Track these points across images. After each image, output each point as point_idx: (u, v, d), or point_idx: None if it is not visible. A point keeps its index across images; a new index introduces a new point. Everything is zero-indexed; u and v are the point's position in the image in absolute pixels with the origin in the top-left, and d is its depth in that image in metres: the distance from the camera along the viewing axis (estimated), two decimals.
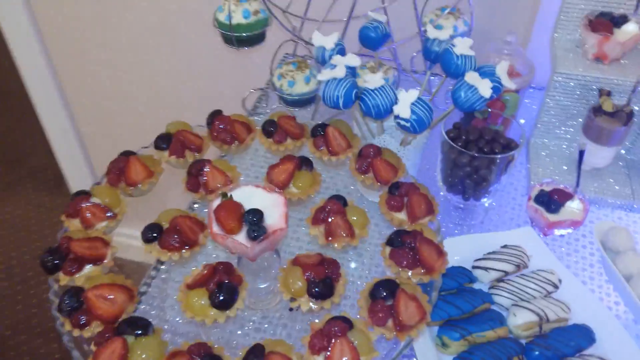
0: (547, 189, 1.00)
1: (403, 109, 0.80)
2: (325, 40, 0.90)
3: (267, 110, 1.20)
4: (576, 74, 1.03)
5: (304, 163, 0.85)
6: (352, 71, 0.87)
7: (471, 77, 0.82)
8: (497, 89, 0.86)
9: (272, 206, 0.70)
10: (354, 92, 0.82)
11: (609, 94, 1.01)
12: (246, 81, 1.38)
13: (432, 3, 1.22)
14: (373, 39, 0.97)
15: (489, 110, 1.01)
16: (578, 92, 1.05)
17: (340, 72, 0.81)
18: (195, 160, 0.85)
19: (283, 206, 0.71)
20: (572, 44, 1.10)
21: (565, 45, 1.09)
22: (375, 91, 0.81)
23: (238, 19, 0.97)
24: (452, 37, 1.12)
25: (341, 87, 0.81)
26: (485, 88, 0.82)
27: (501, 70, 0.86)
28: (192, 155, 0.88)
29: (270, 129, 0.91)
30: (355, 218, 0.77)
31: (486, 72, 0.86)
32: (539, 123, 1.12)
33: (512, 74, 1.04)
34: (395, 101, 0.82)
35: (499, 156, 0.89)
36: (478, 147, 0.91)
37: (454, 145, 0.89)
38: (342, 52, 0.91)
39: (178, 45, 1.67)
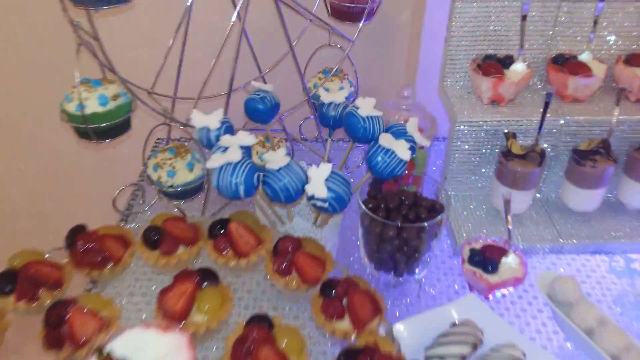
0: (478, 246, 0.91)
1: (318, 188, 0.67)
2: (208, 119, 0.74)
3: (146, 208, 1.00)
4: (477, 120, 0.97)
5: (206, 277, 0.66)
6: (247, 151, 0.73)
7: (386, 140, 0.71)
8: (413, 148, 0.76)
9: (172, 352, 0.51)
10: (255, 175, 0.67)
11: (514, 135, 0.97)
12: (114, 178, 1.17)
13: (310, 69, 1.13)
14: (262, 112, 0.84)
15: None
16: (482, 137, 1.00)
17: (234, 155, 0.66)
18: (52, 303, 0.62)
19: (187, 349, 0.51)
20: (463, 90, 1.06)
21: (458, 92, 1.05)
22: (281, 171, 0.67)
23: (93, 107, 0.78)
24: (346, 98, 1.04)
25: (239, 173, 0.66)
26: (403, 150, 0.71)
27: (412, 127, 0.77)
28: (48, 295, 0.65)
29: (154, 238, 0.72)
30: (286, 342, 0.59)
31: (399, 132, 0.76)
32: (447, 175, 1.04)
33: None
34: (306, 180, 0.68)
35: (426, 223, 0.78)
36: (403, 216, 0.80)
37: (377, 217, 0.77)
38: (229, 130, 0.77)
39: (27, 144, 1.41)
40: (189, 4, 0.86)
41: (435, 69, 1.16)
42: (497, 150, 1.00)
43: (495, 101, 1.00)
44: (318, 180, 0.66)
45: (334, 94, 0.85)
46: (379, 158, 0.71)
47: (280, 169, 0.67)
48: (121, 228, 0.77)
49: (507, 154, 0.96)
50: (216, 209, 0.97)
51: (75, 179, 1.48)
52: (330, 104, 0.85)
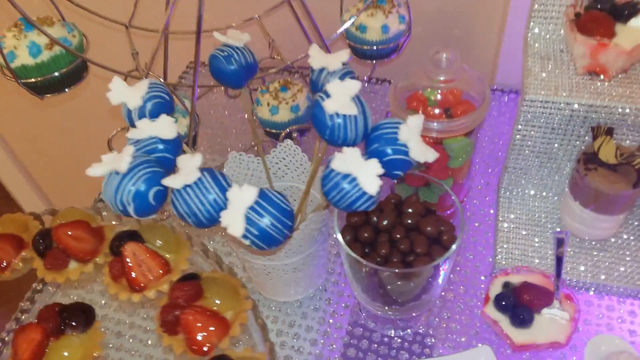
0: (515, 281, 0.66)
1: (233, 220, 0.47)
2: (128, 92, 0.55)
3: None
4: (554, 101, 0.66)
5: (73, 317, 0.52)
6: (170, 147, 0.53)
7: (343, 162, 0.47)
8: (404, 163, 0.51)
9: None
10: (154, 190, 0.49)
11: (609, 132, 0.64)
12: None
13: None
14: (230, 74, 0.62)
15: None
16: (561, 127, 0.68)
17: (121, 162, 0.47)
18: None
19: None
20: (555, 45, 0.72)
21: (545, 49, 0.72)
22: (190, 189, 0.48)
23: (24, 58, 0.64)
24: (381, 42, 0.78)
25: (127, 186, 0.48)
26: (369, 178, 0.47)
27: (411, 130, 0.51)
28: None
29: (40, 247, 0.58)
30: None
31: (383, 138, 0.51)
32: (508, 170, 0.76)
33: (457, 106, 0.68)
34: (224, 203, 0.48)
35: (435, 263, 0.55)
36: (403, 255, 0.57)
37: (355, 256, 0.56)
38: (162, 109, 0.57)
39: None
40: None
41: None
42: (582, 147, 0.69)
43: (594, 72, 0.66)
44: (235, 209, 0.47)
45: (328, 58, 0.60)
46: (331, 185, 0.48)
47: (188, 186, 0.48)
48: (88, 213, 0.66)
49: (590, 158, 0.65)
50: None
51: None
52: (323, 70, 0.60)
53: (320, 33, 0.76)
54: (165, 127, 0.53)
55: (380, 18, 0.81)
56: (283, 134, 0.81)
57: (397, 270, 0.55)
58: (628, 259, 0.69)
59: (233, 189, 0.48)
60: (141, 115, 0.56)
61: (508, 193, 0.78)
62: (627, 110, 0.64)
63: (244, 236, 0.48)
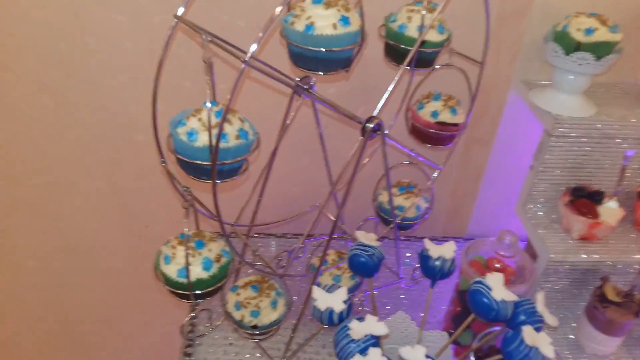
0: None
1: None
2: (330, 298, 0.68)
3: (211, 329, 0.92)
4: (570, 260, 0.94)
5: None
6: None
7: (530, 335, 0.66)
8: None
9: None
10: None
11: (608, 279, 0.94)
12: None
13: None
14: (369, 267, 0.78)
15: None
16: (569, 275, 0.97)
17: None
18: None
19: None
20: (546, 218, 1.02)
21: (541, 221, 1.01)
22: None
23: (197, 273, 0.71)
24: (415, 218, 0.98)
25: None
26: (546, 345, 0.66)
27: (541, 303, 0.72)
28: None
29: None
30: None
31: (528, 312, 0.71)
32: None
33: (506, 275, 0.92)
34: None
35: None
36: None
37: None
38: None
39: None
40: None
41: (506, 181, 1.14)
42: (587, 289, 0.98)
43: (586, 239, 0.97)
44: None
45: (441, 247, 0.80)
46: (519, 353, 0.66)
47: None
48: None
49: (602, 298, 0.93)
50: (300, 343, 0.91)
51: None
52: (439, 257, 0.80)
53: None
54: (378, 326, 0.66)
55: (414, 201, 1.04)
56: None
57: None
58: None
59: None
60: (340, 317, 0.68)
61: None
62: (616, 262, 0.94)
63: None
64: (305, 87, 0.77)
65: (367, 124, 0.74)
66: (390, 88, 0.73)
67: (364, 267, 0.78)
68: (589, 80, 0.94)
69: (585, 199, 0.96)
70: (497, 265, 0.92)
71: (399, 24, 0.81)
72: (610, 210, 0.95)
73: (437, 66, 0.92)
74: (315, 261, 1.03)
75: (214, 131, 0.60)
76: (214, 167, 0.59)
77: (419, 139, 1.00)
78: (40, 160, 1.26)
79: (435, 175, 1.03)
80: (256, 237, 1.19)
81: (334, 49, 0.66)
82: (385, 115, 1.08)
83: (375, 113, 0.74)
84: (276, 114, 0.94)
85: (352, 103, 1.14)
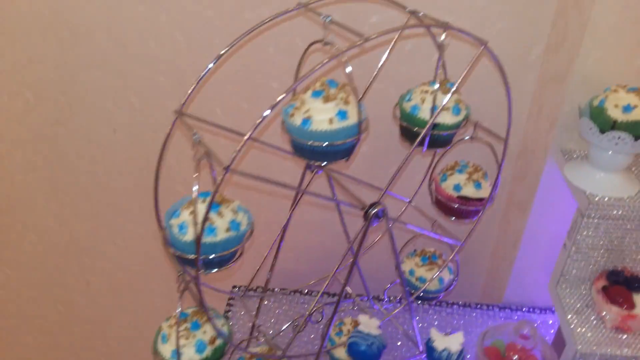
0: None
1: None
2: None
3: None
4: (595, 352, 0.86)
5: None
6: None
7: None
8: None
9: None
10: None
11: None
12: None
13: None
14: (368, 356, 0.76)
15: None
16: None
17: None
18: None
19: None
20: (580, 301, 0.95)
21: (573, 305, 0.94)
22: None
23: (189, 355, 0.72)
24: (438, 291, 0.94)
25: None
26: None
27: None
28: None
29: None
30: None
31: None
32: None
33: None
34: None
35: None
36: None
37: None
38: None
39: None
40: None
41: (545, 250, 1.07)
42: None
43: (621, 329, 0.89)
44: None
45: (447, 338, 0.77)
46: None
47: None
48: None
49: None
50: None
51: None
52: (444, 351, 0.76)
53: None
54: None
55: (436, 272, 1.00)
56: None
57: None
58: None
59: None
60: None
61: None
62: None
63: None
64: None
65: (370, 210, 0.72)
66: (397, 172, 0.71)
67: (363, 356, 0.76)
68: (630, 158, 0.87)
69: (620, 286, 0.88)
70: (515, 357, 0.86)
71: (412, 105, 0.79)
72: None
73: (460, 138, 0.89)
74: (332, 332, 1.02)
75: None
76: (197, 262, 0.60)
77: (442, 211, 0.96)
78: (89, 206, 1.35)
79: (456, 250, 0.98)
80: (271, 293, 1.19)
81: (330, 143, 0.66)
82: (410, 184, 1.06)
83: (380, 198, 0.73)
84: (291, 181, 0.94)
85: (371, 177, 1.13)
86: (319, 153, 0.67)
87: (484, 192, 0.92)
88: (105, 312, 1.57)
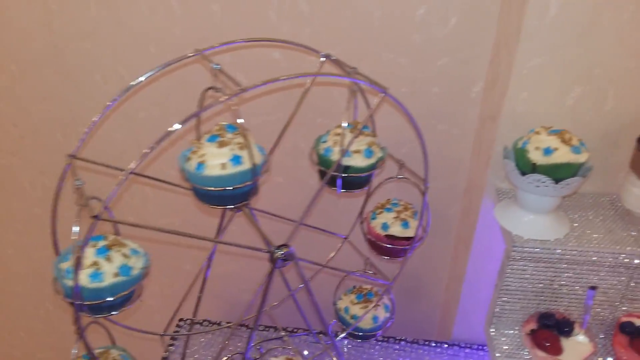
0: None
1: None
2: None
3: None
4: None
5: None
6: None
7: None
8: None
9: None
10: None
11: None
12: None
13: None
14: None
15: None
16: None
17: None
18: None
19: None
20: (512, 343, 0.93)
21: (505, 347, 0.92)
22: None
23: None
24: (373, 329, 0.93)
25: None
26: None
27: None
28: None
29: None
30: None
31: None
32: None
33: None
34: None
35: None
36: None
37: None
38: None
39: None
40: None
41: (481, 301, 1.06)
42: None
43: None
44: None
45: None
46: None
47: None
48: None
49: None
50: None
51: None
52: None
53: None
54: None
55: (372, 311, 0.99)
56: None
57: None
58: None
59: None
60: None
61: None
62: None
63: None
64: None
65: (275, 252, 0.72)
66: (307, 209, 0.71)
67: None
68: (555, 200, 0.86)
69: (548, 331, 0.86)
70: None
71: (326, 147, 0.79)
72: (578, 345, 0.85)
73: (389, 178, 0.88)
74: None
75: (87, 271, 0.62)
76: (74, 307, 0.60)
77: (373, 249, 0.96)
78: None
79: (384, 290, 0.97)
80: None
81: (223, 188, 0.66)
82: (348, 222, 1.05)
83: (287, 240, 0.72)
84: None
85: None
86: (215, 197, 0.67)
87: (412, 232, 0.91)
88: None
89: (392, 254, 0.93)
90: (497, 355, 0.90)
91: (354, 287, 1.05)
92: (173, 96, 1.08)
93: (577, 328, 0.87)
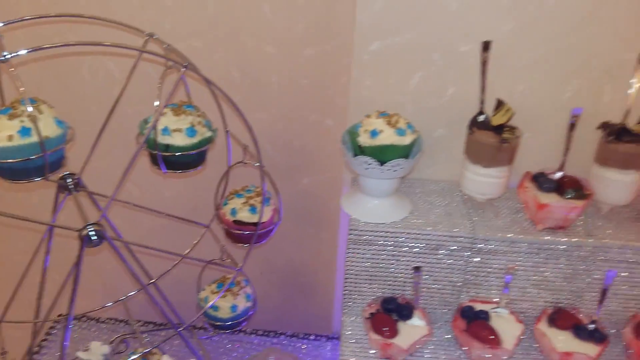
0: None
1: None
2: None
3: None
4: None
5: None
6: None
7: None
8: None
9: None
10: None
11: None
12: None
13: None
14: None
15: None
16: None
17: None
18: None
19: None
20: (361, 332, 0.92)
21: (355, 334, 0.91)
22: None
23: None
24: (232, 318, 0.93)
25: None
26: None
27: None
28: None
29: None
30: None
31: None
32: None
33: None
34: None
35: None
36: None
37: None
38: None
39: None
40: None
41: None
42: None
43: (387, 358, 0.86)
44: None
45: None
46: None
47: None
48: None
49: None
50: None
51: None
52: None
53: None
54: None
55: (230, 300, 0.98)
56: None
57: None
58: None
59: None
60: None
61: None
62: None
63: None
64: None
65: (82, 230, 0.71)
66: (117, 190, 0.71)
67: None
68: (389, 183, 0.86)
69: (385, 314, 0.86)
70: None
71: (147, 127, 0.79)
72: (413, 329, 0.84)
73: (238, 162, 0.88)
74: None
75: None
76: None
77: (227, 237, 0.95)
78: None
79: (234, 276, 0.96)
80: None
81: (10, 160, 0.65)
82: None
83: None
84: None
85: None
86: (6, 170, 0.67)
87: (258, 217, 0.90)
88: None
89: (243, 240, 0.92)
90: (343, 340, 0.90)
91: (221, 278, 1.04)
92: None
93: (418, 312, 0.87)
